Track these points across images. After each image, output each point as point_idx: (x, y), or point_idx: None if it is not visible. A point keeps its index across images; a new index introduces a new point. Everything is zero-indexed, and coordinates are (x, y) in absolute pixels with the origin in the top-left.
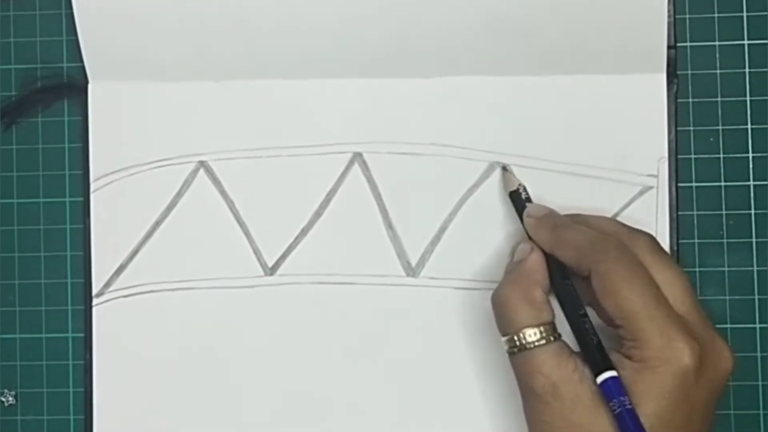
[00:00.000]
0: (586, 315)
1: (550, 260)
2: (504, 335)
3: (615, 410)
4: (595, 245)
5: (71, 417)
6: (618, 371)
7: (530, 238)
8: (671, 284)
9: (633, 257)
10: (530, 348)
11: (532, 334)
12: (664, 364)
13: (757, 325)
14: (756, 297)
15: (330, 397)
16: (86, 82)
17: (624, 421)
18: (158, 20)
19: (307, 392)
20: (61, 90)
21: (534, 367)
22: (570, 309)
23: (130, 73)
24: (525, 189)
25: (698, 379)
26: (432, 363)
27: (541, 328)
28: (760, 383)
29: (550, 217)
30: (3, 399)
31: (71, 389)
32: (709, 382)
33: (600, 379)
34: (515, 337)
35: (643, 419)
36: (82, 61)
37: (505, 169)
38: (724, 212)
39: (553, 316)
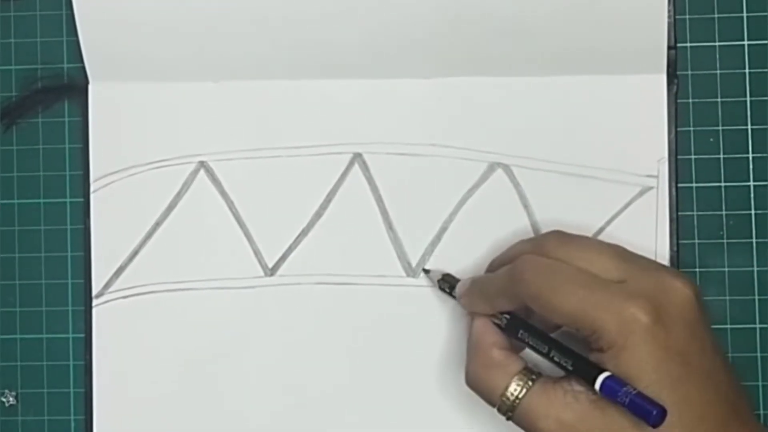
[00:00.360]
0: (555, 342)
1: (500, 317)
2: (494, 407)
3: (624, 402)
4: (512, 279)
5: (71, 417)
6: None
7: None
8: (595, 259)
9: (548, 264)
10: (519, 402)
11: (513, 391)
12: (629, 336)
13: (757, 326)
14: (756, 297)
15: (330, 397)
16: (86, 82)
17: (637, 406)
18: (158, 21)
19: (307, 392)
20: (61, 90)
21: (531, 415)
22: (535, 347)
23: (130, 74)
24: (449, 276)
25: (666, 326)
26: (432, 363)
27: (516, 380)
28: (760, 383)
29: (474, 283)
30: (3, 399)
31: (71, 390)
32: (678, 321)
33: (597, 385)
34: (502, 403)
35: (648, 395)
36: (82, 61)
37: (425, 270)
38: (724, 213)
39: (523, 362)
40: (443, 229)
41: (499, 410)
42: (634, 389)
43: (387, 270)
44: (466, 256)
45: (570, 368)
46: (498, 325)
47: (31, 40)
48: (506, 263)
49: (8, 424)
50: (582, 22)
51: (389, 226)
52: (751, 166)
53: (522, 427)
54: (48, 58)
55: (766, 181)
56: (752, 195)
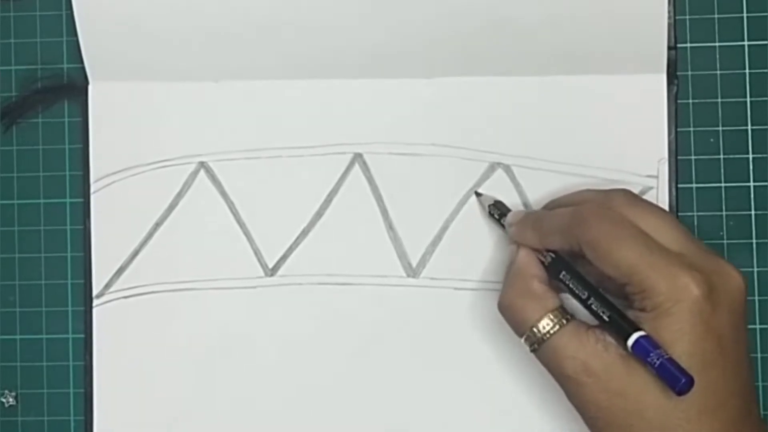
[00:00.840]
0: (595, 290)
1: (545, 255)
2: (521, 336)
3: (655, 364)
4: (575, 220)
5: (71, 418)
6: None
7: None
8: (659, 228)
9: (614, 216)
10: (548, 338)
11: (545, 325)
12: (676, 303)
13: (758, 326)
14: (756, 298)
15: (331, 397)
16: (86, 82)
17: (666, 371)
18: (158, 21)
19: (307, 392)
20: (61, 91)
21: (558, 353)
22: (577, 292)
23: (130, 74)
24: (501, 204)
25: (714, 306)
26: (433, 363)
27: (551, 315)
28: (760, 384)
29: (529, 215)
30: (3, 400)
31: (71, 390)
32: (725, 304)
33: (630, 341)
34: (530, 334)
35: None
36: (82, 61)
37: (477, 194)
38: (724, 213)
39: (560, 300)
40: (444, 229)
41: (526, 340)
42: (667, 354)
43: (387, 270)
44: (466, 256)
45: (606, 319)
46: (541, 262)
47: (31, 40)
48: (566, 206)
49: (8, 425)
50: (582, 22)
51: (389, 226)
52: (751, 167)
53: (545, 363)
54: (48, 58)
55: (766, 181)
56: (752, 195)
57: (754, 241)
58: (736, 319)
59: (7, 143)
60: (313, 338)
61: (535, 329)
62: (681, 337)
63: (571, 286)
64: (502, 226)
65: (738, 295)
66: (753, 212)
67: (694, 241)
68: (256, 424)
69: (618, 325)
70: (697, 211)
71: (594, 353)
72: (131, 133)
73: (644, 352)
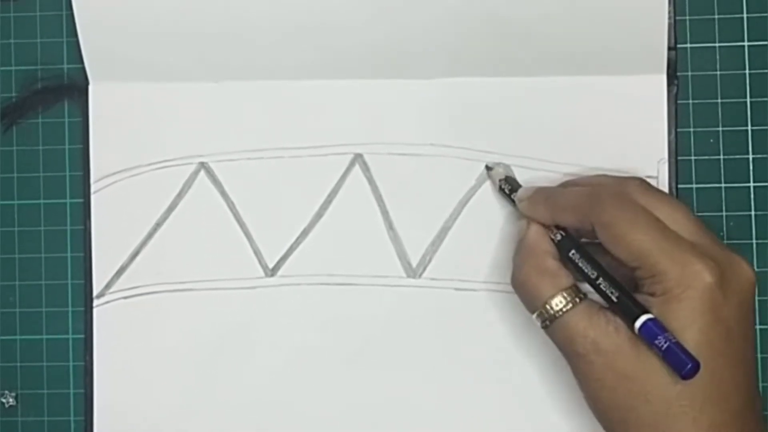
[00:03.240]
0: (604, 271)
1: (555, 232)
2: (533, 312)
3: (662, 347)
4: (591, 200)
5: (71, 418)
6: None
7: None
8: (673, 216)
9: (630, 201)
10: (560, 315)
11: (558, 303)
12: (687, 289)
13: (758, 327)
14: (756, 298)
15: (330, 397)
16: (87, 83)
17: (673, 354)
18: (158, 21)
19: (307, 392)
20: (61, 91)
21: (569, 331)
22: (587, 272)
23: (130, 74)
24: (511, 179)
25: (725, 296)
26: (433, 364)
27: (564, 293)
28: (760, 384)
29: (541, 191)
30: (3, 400)
31: (71, 390)
32: (736, 295)
33: (638, 323)
34: (543, 311)
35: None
36: (82, 62)
37: (488, 167)
38: (724, 213)
39: (573, 279)
40: (444, 230)
41: (538, 317)
42: (674, 338)
43: (387, 270)
44: (467, 256)
45: (614, 299)
46: (551, 240)
47: (31, 40)
48: (581, 186)
49: (8, 425)
50: (582, 22)
51: (390, 227)
52: (751, 167)
53: (555, 341)
54: (48, 58)
55: (766, 182)
56: (752, 196)
57: (754, 241)
58: (745, 312)
59: (7, 143)
60: (313, 338)
61: (548, 305)
62: (690, 324)
63: (580, 265)
64: (513, 201)
65: (749, 288)
66: (753, 212)
67: (708, 233)
68: (256, 424)
69: (626, 307)
70: (697, 211)
71: (605, 333)
72: (131, 133)
73: (652, 334)
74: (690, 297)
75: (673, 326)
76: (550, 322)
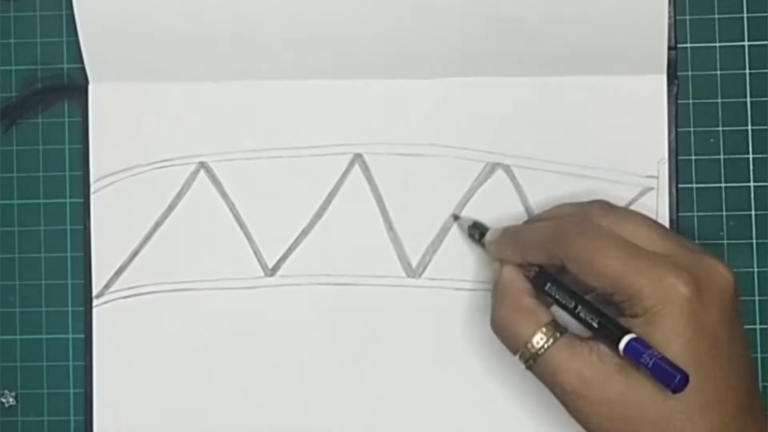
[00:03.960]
0: (582, 299)
1: (529, 269)
2: (515, 353)
3: (648, 364)
4: (556, 234)
5: (71, 418)
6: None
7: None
8: (639, 232)
9: (593, 227)
10: (542, 353)
11: (538, 340)
12: (666, 305)
13: (758, 326)
14: (756, 298)
15: (330, 397)
16: (86, 83)
17: (660, 369)
18: (158, 21)
19: (307, 392)
20: (61, 91)
21: (553, 367)
22: (564, 302)
23: (130, 74)
24: (479, 224)
25: (704, 303)
26: (433, 364)
27: (543, 330)
28: (760, 384)
29: (507, 231)
30: (3, 400)
31: (71, 390)
32: (716, 300)
33: (622, 344)
34: (524, 350)
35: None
36: (82, 62)
37: (455, 216)
38: (724, 213)
39: (551, 315)
40: (444, 230)
41: (520, 357)
42: (659, 353)
43: (387, 270)
44: (466, 256)
45: (596, 326)
46: (526, 277)
47: (31, 40)
48: (545, 220)
49: (8, 425)
50: (582, 22)
51: (389, 227)
52: (751, 167)
53: (541, 379)
54: (48, 58)
55: (766, 181)
56: (752, 196)
57: (754, 241)
58: (727, 314)
59: (7, 143)
60: (313, 338)
61: (528, 345)
62: (674, 337)
63: (557, 297)
64: (483, 246)
65: (727, 289)
66: (753, 212)
67: (677, 240)
68: (256, 424)
69: (608, 331)
70: (697, 211)
71: (589, 364)
72: (131, 133)
73: (636, 353)
74: (669, 312)
75: (658, 343)
76: (533, 361)
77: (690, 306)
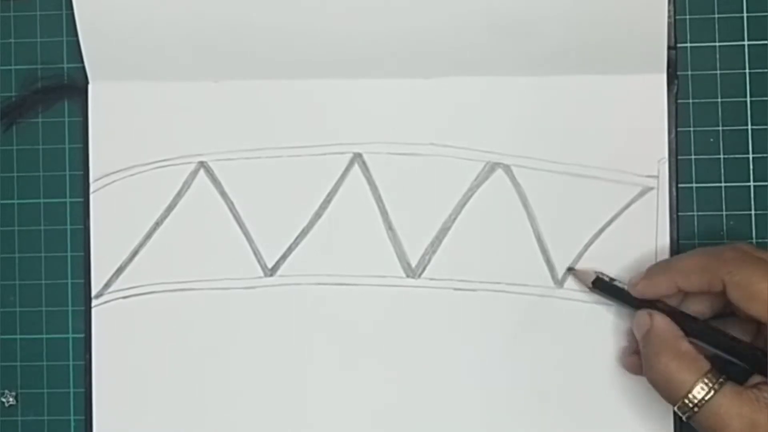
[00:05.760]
0: (736, 339)
1: (679, 315)
2: (675, 404)
3: None
4: (717, 259)
5: (71, 417)
6: None
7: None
8: None
9: (754, 257)
10: (705, 403)
11: (700, 390)
12: None
13: None
14: None
15: (330, 397)
16: (86, 82)
17: None
18: (158, 21)
19: (306, 393)
20: (61, 90)
21: (722, 416)
22: (718, 342)
23: (130, 74)
24: (602, 275)
25: None
26: (432, 364)
27: (705, 380)
28: None
29: (655, 266)
30: (3, 399)
31: (71, 390)
32: None
33: None
34: (686, 401)
35: None
36: (82, 61)
37: (570, 269)
38: (724, 213)
39: (709, 362)
40: (443, 230)
41: (680, 408)
42: None
43: (387, 270)
44: (466, 256)
45: (763, 356)
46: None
47: (31, 40)
48: (675, 267)
49: (8, 424)
50: (582, 21)
51: (389, 227)
52: (751, 167)
53: (704, 426)
54: (48, 58)
55: (766, 181)
56: (752, 195)
57: (754, 241)
58: None
59: (7, 143)
60: (312, 338)
61: (690, 396)
62: None
63: (715, 331)
64: (612, 296)
65: None
66: (753, 212)
67: None
68: (255, 424)
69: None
70: (697, 211)
71: (758, 409)
72: (131, 133)
73: None
74: None
75: None
76: (697, 410)
77: None
